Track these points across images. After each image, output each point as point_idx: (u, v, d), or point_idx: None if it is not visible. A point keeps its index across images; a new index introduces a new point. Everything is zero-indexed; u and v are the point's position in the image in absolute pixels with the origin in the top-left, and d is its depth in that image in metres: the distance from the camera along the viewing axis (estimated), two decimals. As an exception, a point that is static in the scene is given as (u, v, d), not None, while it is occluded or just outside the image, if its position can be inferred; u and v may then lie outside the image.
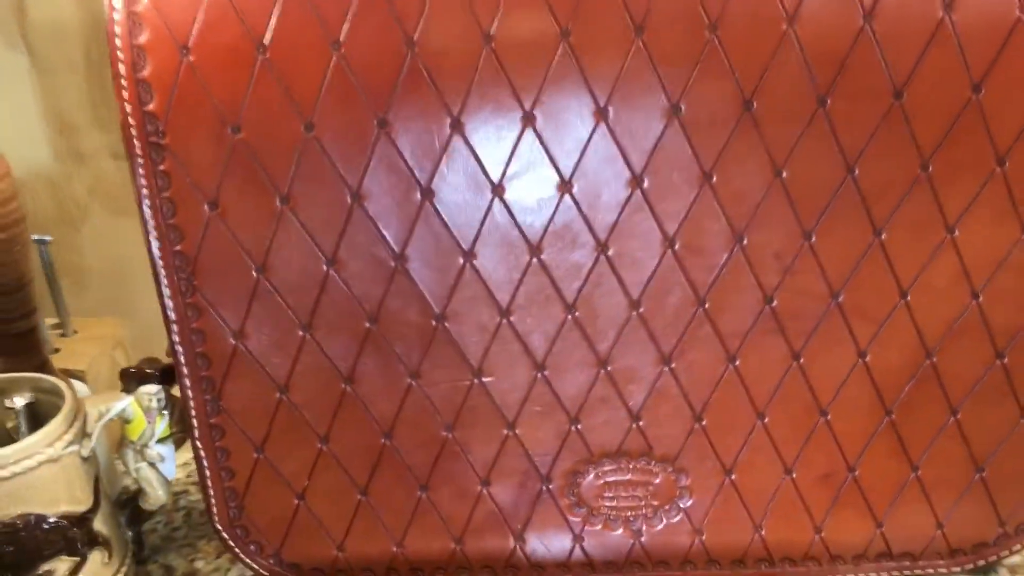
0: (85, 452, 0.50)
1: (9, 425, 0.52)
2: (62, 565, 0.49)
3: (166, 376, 0.52)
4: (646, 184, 0.43)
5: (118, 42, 0.40)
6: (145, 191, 0.42)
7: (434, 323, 0.47)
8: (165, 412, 0.53)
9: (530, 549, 0.53)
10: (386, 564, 0.53)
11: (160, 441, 0.54)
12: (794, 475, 0.51)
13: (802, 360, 0.48)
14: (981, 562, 0.53)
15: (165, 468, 0.55)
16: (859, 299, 0.46)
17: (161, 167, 0.42)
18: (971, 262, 0.45)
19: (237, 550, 0.52)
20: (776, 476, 0.51)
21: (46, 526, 0.48)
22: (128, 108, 0.41)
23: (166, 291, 0.44)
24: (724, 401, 0.49)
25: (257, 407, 0.48)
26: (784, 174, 0.43)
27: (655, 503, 0.52)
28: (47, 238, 0.65)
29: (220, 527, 0.51)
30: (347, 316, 0.46)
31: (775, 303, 0.46)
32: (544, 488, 0.51)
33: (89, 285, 0.76)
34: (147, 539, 0.58)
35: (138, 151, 0.41)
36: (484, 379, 0.48)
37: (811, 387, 0.49)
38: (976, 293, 0.46)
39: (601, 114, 0.42)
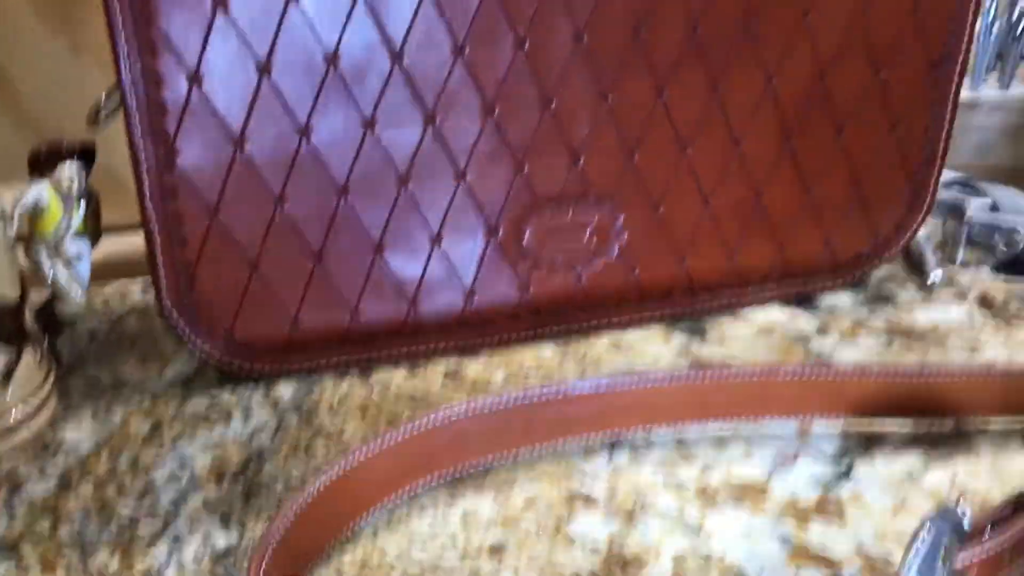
0: (12, 232, 0.45)
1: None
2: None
3: (85, 155, 0.48)
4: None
5: None
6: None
7: (391, 62, 0.47)
8: (82, 200, 0.49)
9: (478, 303, 0.54)
10: (340, 336, 0.53)
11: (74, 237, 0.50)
12: (711, 204, 0.56)
13: (719, 88, 0.53)
14: (858, 273, 0.61)
15: (80, 268, 0.51)
16: (767, 22, 0.51)
17: None
18: (862, -19, 0.52)
19: (187, 330, 0.49)
20: (697, 208, 0.56)
21: (-18, 309, 0.43)
22: None
23: (118, 18, 0.41)
24: (653, 135, 0.53)
25: (210, 163, 0.46)
26: None
27: (593, 243, 0.55)
28: None
29: (169, 304, 0.48)
30: (305, 54, 0.45)
31: (699, 30, 0.51)
32: (492, 240, 0.53)
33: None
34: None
35: None
36: (437, 124, 0.49)
37: (726, 116, 0.54)
38: (864, 10, 0.53)
39: None
